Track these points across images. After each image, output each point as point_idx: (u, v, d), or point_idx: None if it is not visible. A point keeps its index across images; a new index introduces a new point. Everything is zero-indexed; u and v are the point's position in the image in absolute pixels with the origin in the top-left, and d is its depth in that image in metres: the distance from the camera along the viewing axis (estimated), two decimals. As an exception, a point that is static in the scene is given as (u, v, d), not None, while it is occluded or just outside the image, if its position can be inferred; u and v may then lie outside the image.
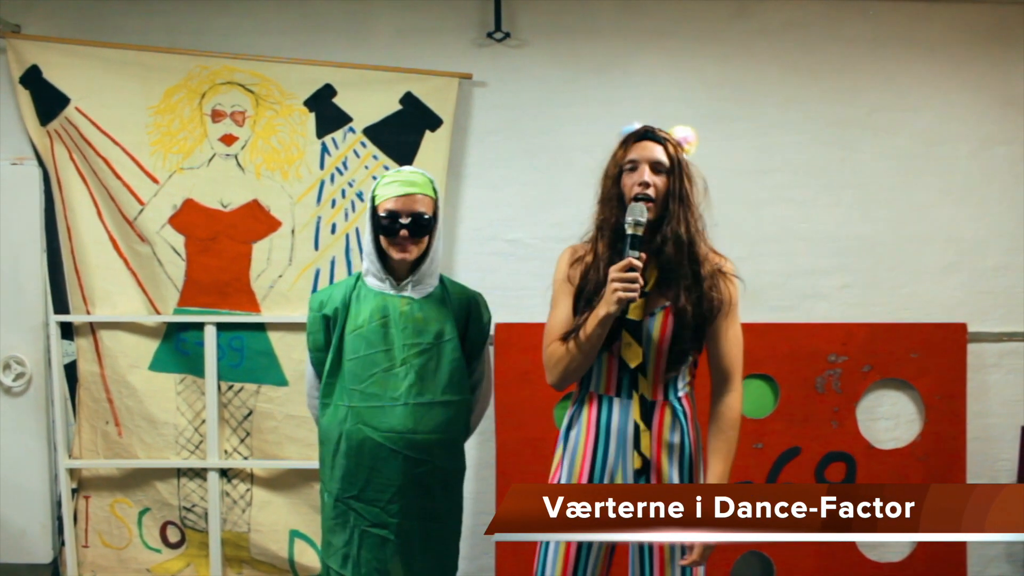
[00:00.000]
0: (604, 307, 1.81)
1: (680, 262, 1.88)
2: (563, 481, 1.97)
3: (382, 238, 2.10)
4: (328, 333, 2.17)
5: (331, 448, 2.15)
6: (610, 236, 1.92)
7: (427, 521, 2.13)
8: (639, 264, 1.79)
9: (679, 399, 1.94)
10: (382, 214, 2.07)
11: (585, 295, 1.93)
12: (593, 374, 1.97)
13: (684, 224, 1.88)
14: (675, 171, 1.88)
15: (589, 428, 1.96)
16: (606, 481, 1.92)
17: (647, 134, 1.91)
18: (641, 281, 1.79)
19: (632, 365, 1.91)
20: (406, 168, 2.17)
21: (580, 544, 1.93)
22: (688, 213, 1.89)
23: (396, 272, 2.15)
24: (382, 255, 2.14)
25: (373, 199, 2.12)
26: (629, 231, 1.80)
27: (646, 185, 1.86)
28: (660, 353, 1.91)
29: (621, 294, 1.77)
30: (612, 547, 1.99)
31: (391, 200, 2.07)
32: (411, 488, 2.09)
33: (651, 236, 1.88)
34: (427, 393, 2.11)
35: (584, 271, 1.96)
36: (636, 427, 1.91)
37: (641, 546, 1.91)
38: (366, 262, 2.17)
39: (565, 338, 1.92)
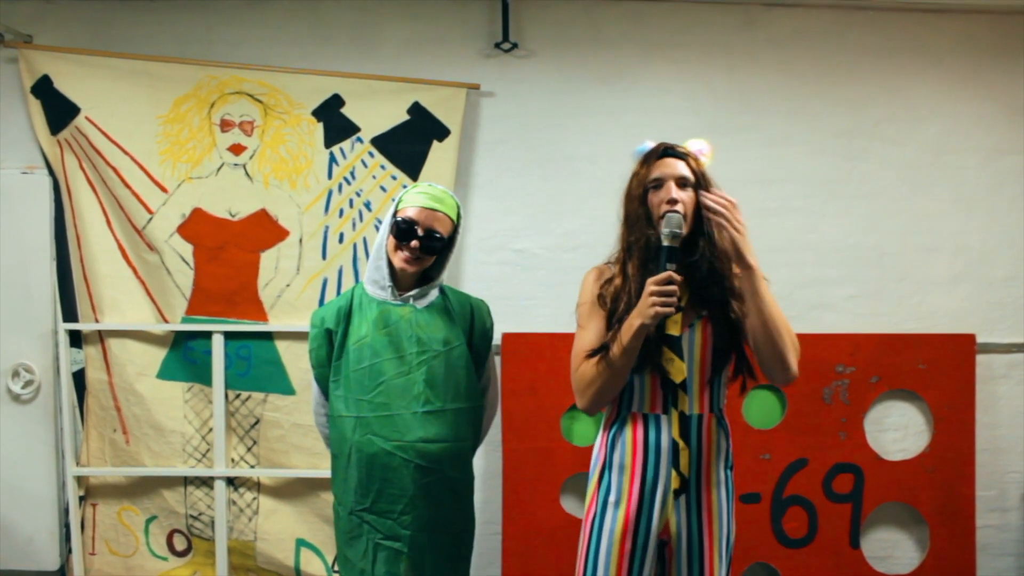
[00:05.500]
0: (639, 318, 1.77)
1: (716, 274, 1.87)
2: (611, 499, 1.92)
3: (391, 240, 2.11)
4: (331, 348, 2.17)
5: (343, 461, 2.14)
6: (641, 256, 1.89)
7: (438, 533, 2.11)
8: (678, 277, 1.77)
9: (721, 411, 1.95)
10: (399, 218, 2.09)
11: (617, 317, 1.87)
12: (634, 393, 1.93)
13: (716, 235, 1.87)
14: (701, 184, 1.88)
15: (636, 446, 1.92)
16: (656, 500, 1.89)
17: (667, 151, 1.90)
18: (679, 293, 1.78)
19: (677, 381, 1.88)
20: (439, 186, 2.17)
21: (633, 550, 1.89)
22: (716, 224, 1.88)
23: (399, 282, 2.15)
24: (389, 261, 2.14)
25: (397, 203, 2.13)
26: (666, 243, 1.79)
27: (674, 202, 1.83)
28: (703, 366, 1.90)
29: (659, 308, 1.74)
30: (663, 552, 1.95)
31: (413, 209, 2.09)
32: (422, 499, 2.08)
33: (686, 251, 1.86)
34: (436, 401, 2.11)
35: (615, 293, 1.91)
36: (675, 445, 1.88)
37: (690, 549, 1.89)
38: (371, 267, 2.17)
39: (593, 355, 1.88)
